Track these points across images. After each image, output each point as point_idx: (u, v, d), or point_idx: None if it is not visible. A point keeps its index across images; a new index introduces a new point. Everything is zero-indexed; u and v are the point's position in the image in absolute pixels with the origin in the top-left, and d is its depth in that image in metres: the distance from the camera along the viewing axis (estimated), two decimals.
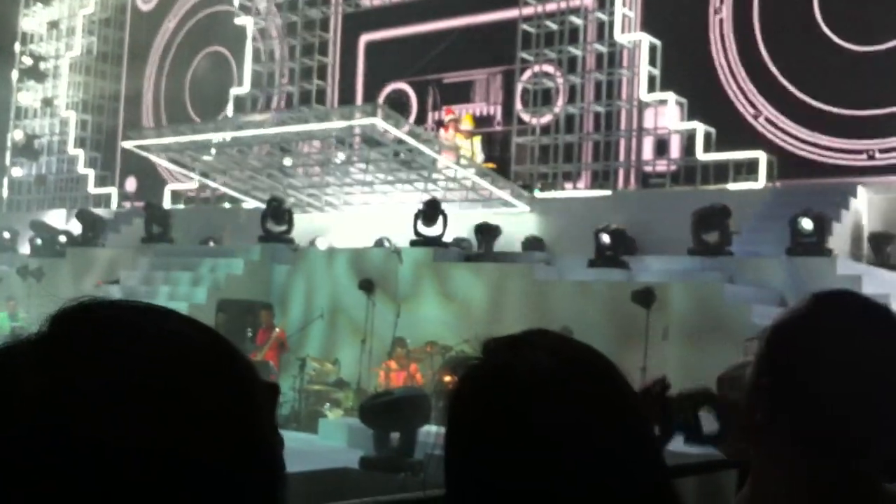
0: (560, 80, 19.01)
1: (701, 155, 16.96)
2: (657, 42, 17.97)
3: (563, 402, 0.98)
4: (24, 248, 21.44)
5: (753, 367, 1.33)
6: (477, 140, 19.27)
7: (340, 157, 18.65)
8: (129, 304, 0.75)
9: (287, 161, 19.21)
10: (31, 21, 28.03)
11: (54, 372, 0.67)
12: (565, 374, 1.01)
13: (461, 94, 20.53)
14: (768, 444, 1.27)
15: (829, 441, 1.25)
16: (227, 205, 21.48)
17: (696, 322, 11.90)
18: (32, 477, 0.64)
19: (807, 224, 13.29)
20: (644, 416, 1.04)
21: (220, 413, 0.70)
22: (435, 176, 17.93)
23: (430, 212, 15.86)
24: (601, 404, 1.00)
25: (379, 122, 16.69)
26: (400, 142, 17.26)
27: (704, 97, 17.20)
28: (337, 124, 17.60)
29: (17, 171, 27.13)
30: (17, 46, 27.85)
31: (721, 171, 16.65)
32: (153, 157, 20.89)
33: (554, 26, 18.96)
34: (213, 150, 19.63)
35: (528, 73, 19.44)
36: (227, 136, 18.91)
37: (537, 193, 18.31)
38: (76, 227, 20.66)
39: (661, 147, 17.93)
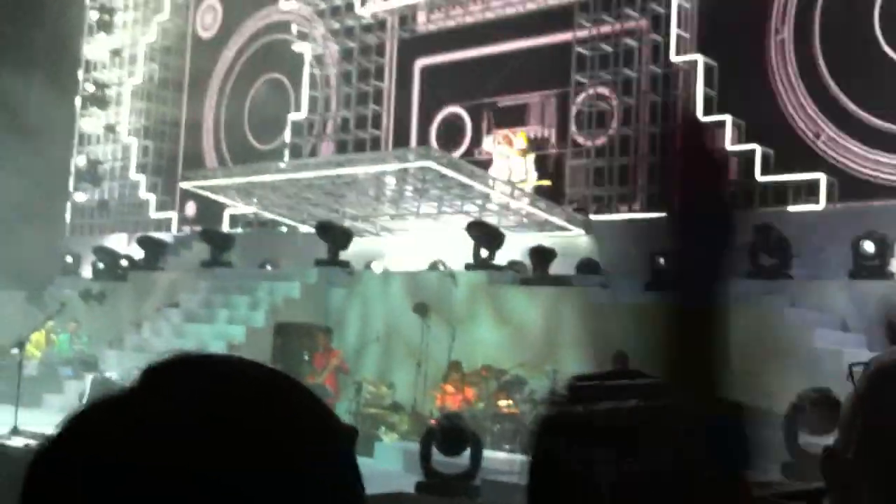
0: (615, 102, 18.97)
1: (759, 177, 16.78)
2: (713, 63, 17.85)
3: (640, 451, 0.96)
4: (87, 272, 21.89)
5: (852, 402, 1.28)
6: (531, 157, 19.30)
7: (394, 187, 18.71)
8: (217, 357, 0.76)
9: (342, 192, 19.38)
10: (95, 49, 28.75)
11: (131, 427, 0.70)
12: (649, 420, 0.99)
13: (516, 117, 20.58)
14: (854, 483, 1.24)
15: None
16: (283, 229, 21.73)
17: (757, 346, 11.72)
18: None
19: (869, 247, 13.06)
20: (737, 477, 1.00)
21: (307, 469, 0.71)
22: (489, 206, 17.95)
23: (482, 234, 15.94)
24: (685, 457, 0.96)
25: (432, 165, 16.81)
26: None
27: (762, 118, 17.00)
28: (391, 166, 17.72)
29: (80, 196, 27.76)
30: (81, 74, 28.56)
31: (780, 194, 16.44)
32: (211, 195, 21.34)
33: (608, 49, 18.95)
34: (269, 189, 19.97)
35: (582, 96, 19.43)
36: (281, 178, 19.20)
37: (591, 217, 18.26)
38: (137, 252, 21.04)
39: None
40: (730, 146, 17.37)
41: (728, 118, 17.32)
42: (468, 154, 21.50)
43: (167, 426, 0.69)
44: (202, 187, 20.96)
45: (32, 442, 11.59)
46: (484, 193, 17.59)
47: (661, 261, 13.90)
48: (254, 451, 0.69)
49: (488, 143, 20.58)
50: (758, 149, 16.87)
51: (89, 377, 15.66)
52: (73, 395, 15.80)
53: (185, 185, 21.87)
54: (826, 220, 15.29)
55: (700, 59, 17.89)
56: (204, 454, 0.68)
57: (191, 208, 25.45)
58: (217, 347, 15.28)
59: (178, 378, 0.73)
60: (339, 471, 0.74)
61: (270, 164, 20.87)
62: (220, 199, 21.55)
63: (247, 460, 0.69)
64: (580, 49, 19.20)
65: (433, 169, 16.86)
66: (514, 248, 16.37)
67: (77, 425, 0.72)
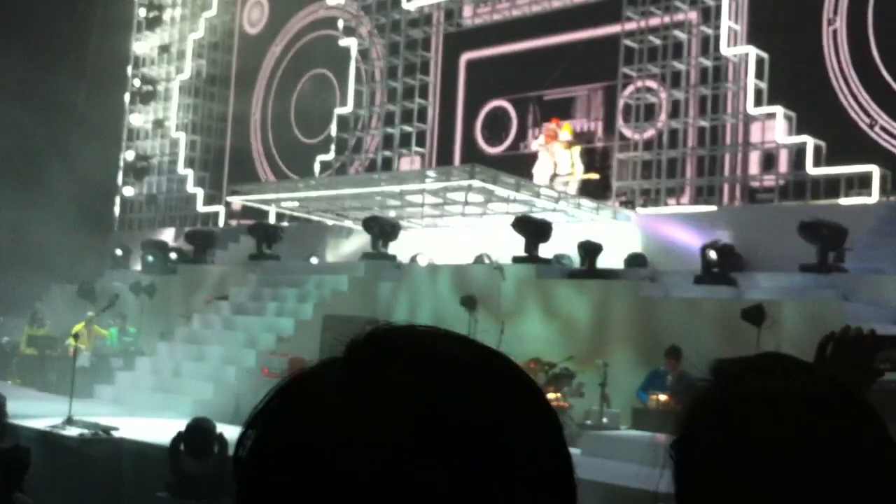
0: (663, 95, 18.81)
1: (811, 169, 16.55)
2: (764, 55, 17.63)
3: (807, 432, 0.92)
4: (137, 266, 22.16)
5: None
6: (576, 150, 19.19)
7: (438, 198, 18.69)
8: (416, 328, 0.75)
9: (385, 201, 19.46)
10: (143, 46, 29.09)
11: (353, 396, 0.69)
12: (811, 401, 0.95)
13: (562, 110, 20.50)
14: None
15: None
16: (329, 222, 21.85)
17: (811, 341, 11.49)
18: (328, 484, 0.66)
19: None
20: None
21: (525, 434, 0.70)
22: (534, 208, 17.87)
23: (528, 229, 15.88)
24: (849, 443, 0.92)
25: (476, 183, 16.81)
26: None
27: (815, 109, 16.79)
28: (434, 185, 17.74)
29: (128, 191, 28.13)
30: (129, 70, 28.91)
31: (832, 186, 16.21)
32: (257, 205, 21.65)
33: (657, 41, 18.79)
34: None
35: (630, 89, 19.29)
36: (325, 193, 19.38)
37: (639, 210, 18.15)
38: (186, 245, 21.26)
39: (769, 161, 17.57)
40: (781, 138, 17.17)
41: (779, 109, 17.11)
42: (513, 148, 21.48)
43: (379, 404, 0.68)
44: (250, 200, 21.41)
45: (86, 431, 11.77)
46: (531, 202, 17.55)
47: (711, 254, 13.82)
48: (470, 428, 0.67)
49: (533, 138, 20.51)
50: (809, 141, 16.64)
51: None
52: (124, 386, 16.02)
53: (231, 199, 22.28)
54: (879, 213, 15.04)
55: (752, 50, 17.68)
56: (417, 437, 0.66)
57: (237, 202, 25.70)
58: (266, 339, 15.42)
59: (385, 354, 0.72)
60: (561, 444, 0.73)
61: (314, 179, 21.06)
62: (267, 207, 21.81)
63: (468, 445, 0.67)
64: (628, 42, 19.05)
65: (477, 186, 16.90)
66: (562, 242, 16.31)
67: (290, 401, 0.71)
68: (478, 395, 0.69)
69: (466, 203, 18.22)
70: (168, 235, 24.62)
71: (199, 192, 26.63)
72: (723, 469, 0.92)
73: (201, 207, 26.35)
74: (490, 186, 16.92)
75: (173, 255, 20.80)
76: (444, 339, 0.74)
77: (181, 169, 27.19)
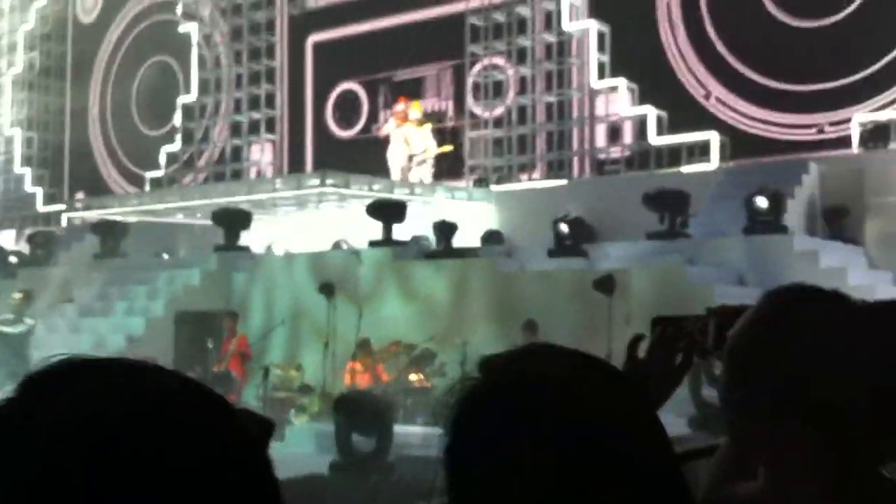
0: (510, 72, 18.97)
1: (654, 139, 17.02)
2: (605, 29, 17.98)
3: (584, 410, 0.95)
4: None
5: (725, 380, 1.35)
6: (428, 127, 19.12)
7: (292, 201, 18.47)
8: (99, 362, 0.71)
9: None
10: None
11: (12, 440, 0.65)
12: (583, 380, 0.99)
13: (412, 90, 20.41)
14: (777, 447, 1.29)
15: (841, 426, 1.26)
16: (179, 216, 21.13)
17: (659, 305, 11.87)
18: None
19: (762, 202, 13.35)
20: (655, 415, 1.01)
21: (211, 470, 0.67)
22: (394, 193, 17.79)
23: (383, 213, 15.76)
24: (621, 410, 0.98)
25: (329, 189, 16.63)
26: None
27: (655, 81, 17.26)
28: (286, 193, 17.47)
29: None
30: None
31: (675, 154, 16.72)
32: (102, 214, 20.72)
33: (502, 18, 18.92)
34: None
35: (478, 67, 19.38)
36: (172, 206, 18.84)
37: (492, 187, 18.27)
38: (27, 247, 20.22)
39: (615, 134, 17.98)
40: (624, 110, 17.58)
41: (622, 82, 17.50)
42: (365, 131, 21.29)
43: (45, 444, 0.65)
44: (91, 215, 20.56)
45: None
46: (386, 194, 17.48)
47: (562, 227, 14.03)
48: (142, 469, 0.65)
49: (384, 123, 20.32)
50: (651, 111, 17.09)
51: None
52: None
53: (74, 214, 21.32)
54: (719, 179, 15.59)
55: (593, 24, 18.00)
56: (88, 476, 0.63)
57: (81, 199, 24.58)
58: (116, 341, 14.79)
59: (59, 389, 0.68)
60: (244, 476, 0.70)
61: (164, 192, 20.49)
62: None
63: (134, 480, 0.64)
64: (473, 20, 19.12)
65: (330, 191, 16.78)
66: (418, 224, 16.27)
67: None
68: (146, 429, 0.66)
69: (320, 201, 18.03)
70: (7, 238, 23.32)
71: (39, 192, 25.34)
72: (474, 447, 0.96)
73: (42, 207, 25.08)
74: (343, 191, 16.80)
75: (13, 259, 19.73)
76: (132, 371, 0.70)
77: (18, 168, 25.81)
